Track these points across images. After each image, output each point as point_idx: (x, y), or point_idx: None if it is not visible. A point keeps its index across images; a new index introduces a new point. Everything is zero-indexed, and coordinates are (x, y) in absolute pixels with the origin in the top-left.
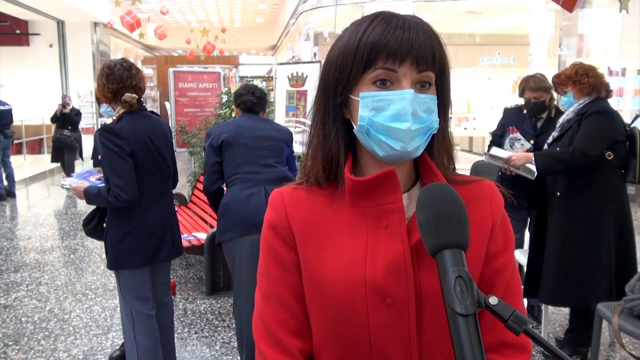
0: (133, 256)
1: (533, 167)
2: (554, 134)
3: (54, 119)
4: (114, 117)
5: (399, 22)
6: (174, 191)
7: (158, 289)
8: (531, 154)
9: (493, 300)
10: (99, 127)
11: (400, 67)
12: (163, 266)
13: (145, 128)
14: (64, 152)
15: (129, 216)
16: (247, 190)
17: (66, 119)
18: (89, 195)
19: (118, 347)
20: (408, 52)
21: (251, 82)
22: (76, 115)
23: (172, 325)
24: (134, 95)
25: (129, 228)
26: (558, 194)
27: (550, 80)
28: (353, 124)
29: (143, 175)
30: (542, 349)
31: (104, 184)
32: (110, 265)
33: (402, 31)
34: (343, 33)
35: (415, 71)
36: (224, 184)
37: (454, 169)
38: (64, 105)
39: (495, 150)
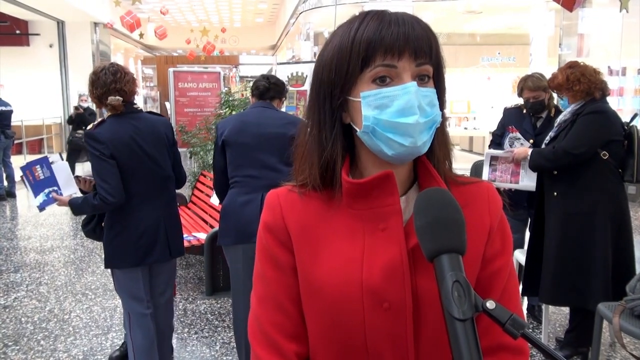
0: (124, 256)
1: (533, 182)
2: (551, 133)
3: (70, 120)
4: (95, 122)
5: (391, 17)
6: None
7: (155, 290)
8: (529, 150)
9: (490, 304)
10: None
11: (399, 61)
12: (161, 267)
13: (130, 130)
14: (80, 153)
15: (120, 217)
16: (244, 196)
17: (81, 119)
18: (74, 205)
19: (118, 347)
20: (405, 45)
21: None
22: (90, 115)
23: (168, 328)
24: (118, 97)
25: (119, 228)
26: (555, 193)
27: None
28: (354, 127)
29: (130, 177)
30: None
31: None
32: (105, 264)
33: (397, 25)
34: (333, 34)
35: (414, 64)
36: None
37: (451, 165)
38: (76, 107)
39: (493, 152)
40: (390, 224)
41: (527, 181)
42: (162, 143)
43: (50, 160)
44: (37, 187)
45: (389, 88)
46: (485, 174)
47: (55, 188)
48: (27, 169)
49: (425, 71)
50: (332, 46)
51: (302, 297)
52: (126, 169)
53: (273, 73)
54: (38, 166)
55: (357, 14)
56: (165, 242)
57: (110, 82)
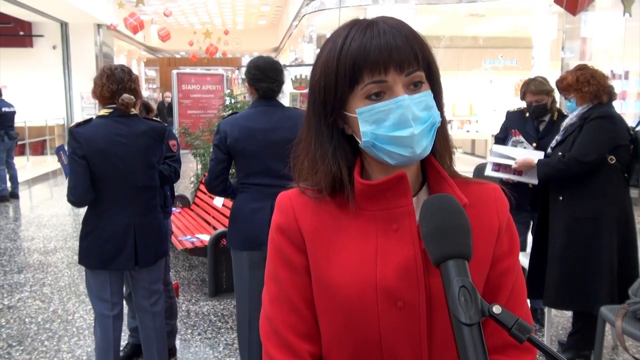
0: (89, 257)
1: (534, 179)
2: (557, 137)
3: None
4: (80, 120)
5: (373, 30)
6: (176, 193)
7: (137, 293)
8: (534, 162)
9: (497, 309)
10: None
11: (387, 75)
12: (140, 271)
13: (111, 135)
14: None
15: (91, 218)
16: (255, 203)
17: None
18: None
19: (122, 348)
20: (389, 59)
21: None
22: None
23: (156, 331)
24: (131, 96)
25: (88, 229)
26: (561, 198)
27: (553, 83)
28: (357, 139)
29: (101, 181)
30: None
31: None
32: (78, 260)
33: (379, 39)
34: (323, 47)
35: (402, 75)
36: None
37: (452, 164)
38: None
39: (499, 148)
40: (403, 224)
41: (531, 174)
42: (148, 152)
43: (66, 148)
44: (65, 168)
45: (382, 103)
46: (489, 167)
47: None
48: (57, 152)
49: (417, 78)
50: (320, 63)
51: (316, 298)
52: (97, 173)
53: None
54: (61, 152)
55: (345, 22)
56: (132, 251)
57: (126, 80)
